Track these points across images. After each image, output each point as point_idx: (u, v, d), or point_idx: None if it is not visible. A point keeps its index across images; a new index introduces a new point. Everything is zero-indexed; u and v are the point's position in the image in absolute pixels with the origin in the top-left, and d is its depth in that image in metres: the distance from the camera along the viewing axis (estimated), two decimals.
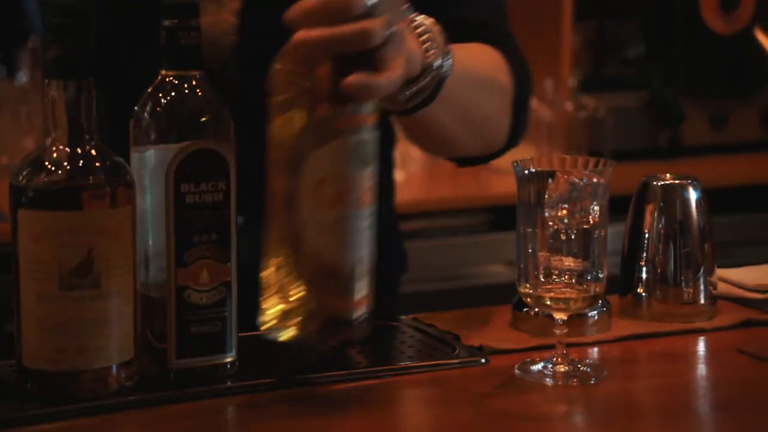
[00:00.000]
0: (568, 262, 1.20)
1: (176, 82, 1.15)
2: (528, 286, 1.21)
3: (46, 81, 1.11)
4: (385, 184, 1.58)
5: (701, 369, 1.33)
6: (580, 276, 1.20)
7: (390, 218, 1.62)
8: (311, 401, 1.16)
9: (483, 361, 1.27)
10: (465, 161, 1.47)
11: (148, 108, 1.15)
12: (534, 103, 3.00)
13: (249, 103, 1.21)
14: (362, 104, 1.08)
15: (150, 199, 1.15)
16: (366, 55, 1.07)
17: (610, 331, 1.36)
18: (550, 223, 1.19)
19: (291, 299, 1.10)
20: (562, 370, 1.22)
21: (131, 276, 1.13)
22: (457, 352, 1.28)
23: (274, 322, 1.11)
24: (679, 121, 3.11)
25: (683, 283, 1.41)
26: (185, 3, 1.14)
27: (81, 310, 1.10)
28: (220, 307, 1.16)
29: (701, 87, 3.17)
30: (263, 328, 1.12)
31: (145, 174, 1.15)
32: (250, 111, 1.18)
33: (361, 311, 1.11)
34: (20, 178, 1.11)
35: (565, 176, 1.19)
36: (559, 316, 1.21)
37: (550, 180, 1.19)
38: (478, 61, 1.38)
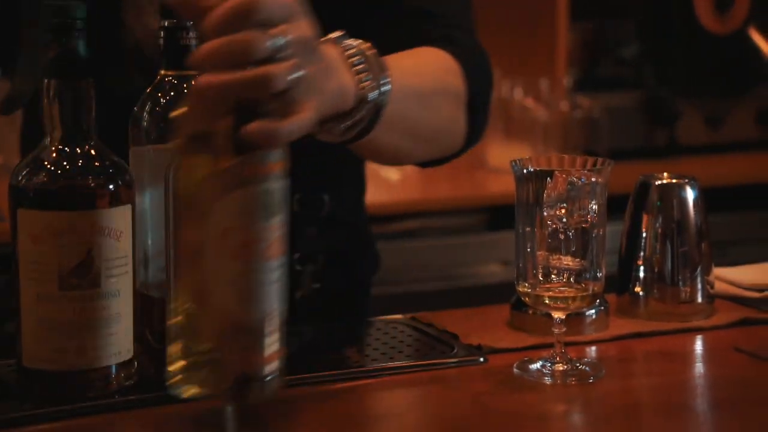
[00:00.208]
0: (567, 261, 1.20)
1: (175, 82, 1.15)
2: (527, 285, 1.22)
3: (45, 81, 1.11)
4: (356, 185, 1.58)
5: (699, 367, 1.33)
6: (579, 275, 1.20)
7: (361, 220, 1.60)
8: (309, 400, 1.16)
9: (481, 360, 1.27)
10: (424, 164, 1.44)
11: (147, 108, 1.15)
12: (529, 102, 3.01)
13: None
14: (269, 152, 1.02)
15: (149, 198, 1.15)
16: (272, 100, 1.01)
17: (607, 330, 1.37)
18: (549, 223, 1.20)
19: (197, 353, 1.04)
20: (561, 369, 1.22)
21: (130, 276, 1.13)
22: (455, 351, 1.29)
23: (179, 377, 1.05)
24: (674, 120, 3.12)
25: (681, 282, 1.41)
26: None
27: (80, 310, 1.10)
28: None
29: (696, 87, 3.17)
30: (168, 382, 1.05)
31: (144, 174, 1.15)
32: None
33: (272, 367, 1.05)
34: (20, 178, 1.11)
35: (564, 175, 1.19)
36: (558, 315, 1.22)
37: (548, 179, 1.19)
38: (422, 73, 1.33)
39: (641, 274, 1.42)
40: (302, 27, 1.04)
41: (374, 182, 2.64)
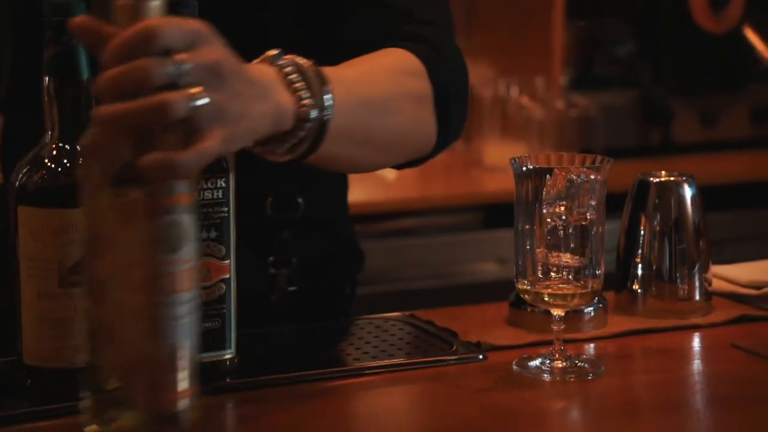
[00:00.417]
0: (566, 258, 1.20)
1: None
2: (526, 282, 1.22)
3: (45, 79, 1.11)
4: (336, 184, 1.56)
5: (697, 365, 1.33)
6: (578, 272, 1.21)
7: (342, 220, 1.58)
8: (310, 398, 1.16)
9: (481, 357, 1.27)
10: (399, 167, 1.40)
11: None
12: (525, 101, 3.01)
13: None
14: (174, 183, 0.98)
15: None
16: (173, 130, 0.98)
17: (606, 328, 1.37)
18: (548, 220, 1.20)
19: (105, 391, 1.00)
20: (560, 366, 1.22)
21: None
22: (454, 348, 1.29)
23: (88, 416, 1.02)
24: (670, 119, 3.12)
25: (678, 280, 1.42)
26: (183, 2, 1.14)
27: (81, 308, 1.10)
28: (219, 303, 1.17)
29: (691, 85, 3.18)
30: (82, 421, 1.02)
31: None
32: None
33: (184, 403, 1.01)
34: (20, 175, 1.11)
35: (563, 173, 1.20)
36: (557, 312, 1.22)
37: (547, 177, 1.20)
38: (374, 80, 1.29)
39: (639, 272, 1.42)
40: (209, 53, 1.00)
41: (370, 181, 2.66)
